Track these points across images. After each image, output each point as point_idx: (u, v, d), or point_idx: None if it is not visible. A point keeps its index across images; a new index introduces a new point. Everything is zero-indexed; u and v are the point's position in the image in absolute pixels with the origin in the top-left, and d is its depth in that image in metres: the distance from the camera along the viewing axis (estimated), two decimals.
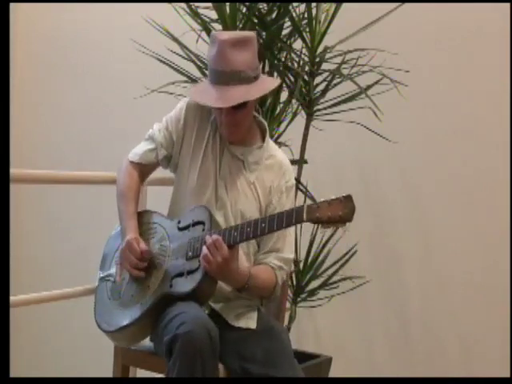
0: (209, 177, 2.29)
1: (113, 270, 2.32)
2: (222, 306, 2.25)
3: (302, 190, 2.81)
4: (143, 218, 2.34)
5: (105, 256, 2.39)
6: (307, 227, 2.61)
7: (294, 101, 2.87)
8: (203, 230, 2.15)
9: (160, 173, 2.52)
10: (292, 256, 2.32)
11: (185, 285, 2.11)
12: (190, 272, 2.12)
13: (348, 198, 1.96)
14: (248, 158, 2.30)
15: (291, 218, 2.02)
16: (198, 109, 2.34)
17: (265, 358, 2.13)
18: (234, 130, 2.26)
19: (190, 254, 2.14)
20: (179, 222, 2.24)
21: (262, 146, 2.33)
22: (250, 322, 2.24)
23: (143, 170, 2.39)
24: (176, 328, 1.98)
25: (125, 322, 2.17)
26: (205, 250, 2.06)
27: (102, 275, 2.35)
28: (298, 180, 2.75)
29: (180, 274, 2.14)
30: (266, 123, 2.39)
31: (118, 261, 2.28)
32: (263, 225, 2.05)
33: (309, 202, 2.80)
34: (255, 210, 2.28)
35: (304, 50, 2.85)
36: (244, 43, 2.18)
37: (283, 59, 2.88)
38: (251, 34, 2.25)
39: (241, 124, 2.26)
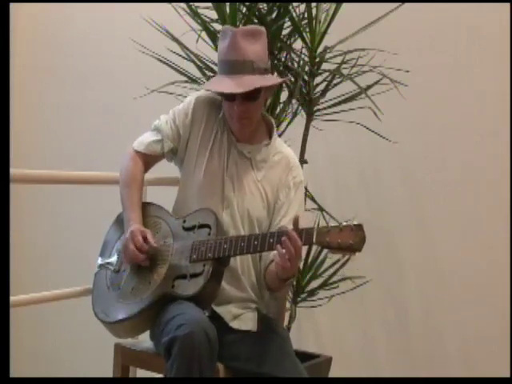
0: (215, 175, 2.27)
1: (113, 259, 2.30)
2: (223, 309, 2.24)
3: None
4: (147, 211, 2.32)
5: (105, 243, 2.38)
6: None
7: (293, 101, 2.87)
8: (209, 234, 2.15)
9: (160, 173, 2.51)
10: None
11: (187, 288, 2.11)
12: (194, 275, 2.11)
13: (359, 227, 1.94)
14: (256, 156, 2.30)
15: (300, 238, 1.97)
16: (206, 105, 2.33)
17: (266, 359, 2.12)
18: (245, 123, 2.25)
19: (195, 256, 2.13)
20: (184, 222, 2.23)
21: (270, 143, 2.32)
22: (250, 323, 2.24)
23: (148, 160, 2.37)
24: (174, 330, 1.97)
25: (123, 316, 2.17)
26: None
27: (101, 262, 2.34)
28: None
29: (183, 276, 2.13)
30: (273, 120, 2.38)
31: (122, 252, 2.24)
32: (271, 240, 2.03)
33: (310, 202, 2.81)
34: (262, 208, 2.27)
35: (304, 50, 2.85)
36: (255, 35, 2.20)
37: (283, 59, 2.88)
38: (262, 27, 2.26)
39: (252, 116, 2.25)
